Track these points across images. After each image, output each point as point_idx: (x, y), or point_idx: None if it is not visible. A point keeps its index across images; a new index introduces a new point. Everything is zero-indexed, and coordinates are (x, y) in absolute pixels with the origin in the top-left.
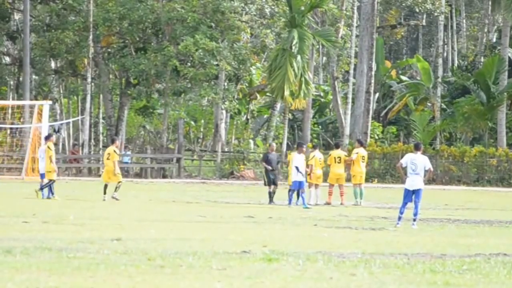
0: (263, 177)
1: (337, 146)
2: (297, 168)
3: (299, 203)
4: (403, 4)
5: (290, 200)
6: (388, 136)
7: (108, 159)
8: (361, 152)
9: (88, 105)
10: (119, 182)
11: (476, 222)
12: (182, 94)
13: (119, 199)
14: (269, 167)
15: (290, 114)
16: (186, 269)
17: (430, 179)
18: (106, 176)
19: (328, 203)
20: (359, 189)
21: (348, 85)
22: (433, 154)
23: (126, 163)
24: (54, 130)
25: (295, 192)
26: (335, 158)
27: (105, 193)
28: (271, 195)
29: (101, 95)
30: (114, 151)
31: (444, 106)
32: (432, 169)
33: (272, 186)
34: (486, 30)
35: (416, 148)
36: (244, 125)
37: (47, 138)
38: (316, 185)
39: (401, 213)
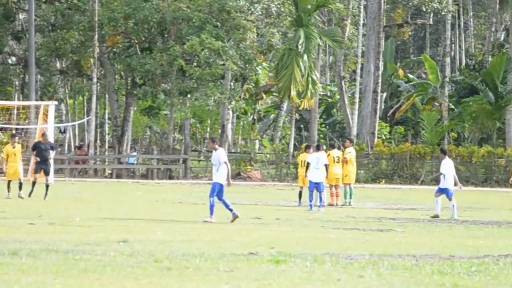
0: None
1: (333, 146)
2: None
3: (321, 208)
4: (410, 3)
5: (310, 200)
6: (395, 136)
7: None
8: (352, 151)
9: (93, 105)
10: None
11: (485, 223)
12: (188, 94)
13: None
14: (37, 158)
15: (297, 114)
16: (193, 271)
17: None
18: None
19: (331, 204)
20: (349, 188)
21: (355, 85)
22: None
23: (132, 164)
24: (60, 131)
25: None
26: (334, 158)
27: (8, 191)
28: (34, 184)
29: (106, 96)
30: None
31: (452, 106)
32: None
33: (36, 175)
34: (493, 29)
35: (318, 148)
36: (251, 125)
37: None
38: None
39: (311, 200)
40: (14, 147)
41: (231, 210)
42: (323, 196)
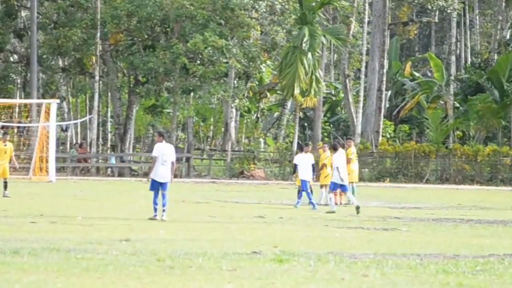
0: None
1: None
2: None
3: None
4: (415, 1)
5: (310, 199)
6: (400, 134)
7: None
8: (354, 150)
9: (96, 103)
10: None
11: (490, 222)
12: (191, 92)
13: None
14: None
15: (301, 113)
16: (195, 270)
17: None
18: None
19: (335, 203)
20: (352, 187)
21: (360, 83)
22: (446, 153)
23: (113, 164)
24: (62, 129)
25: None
26: None
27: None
28: None
29: (109, 94)
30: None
31: (457, 104)
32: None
33: None
34: (499, 26)
35: (301, 149)
36: (254, 123)
37: None
38: (326, 186)
39: (311, 199)
40: (5, 145)
41: (155, 209)
42: (304, 195)
